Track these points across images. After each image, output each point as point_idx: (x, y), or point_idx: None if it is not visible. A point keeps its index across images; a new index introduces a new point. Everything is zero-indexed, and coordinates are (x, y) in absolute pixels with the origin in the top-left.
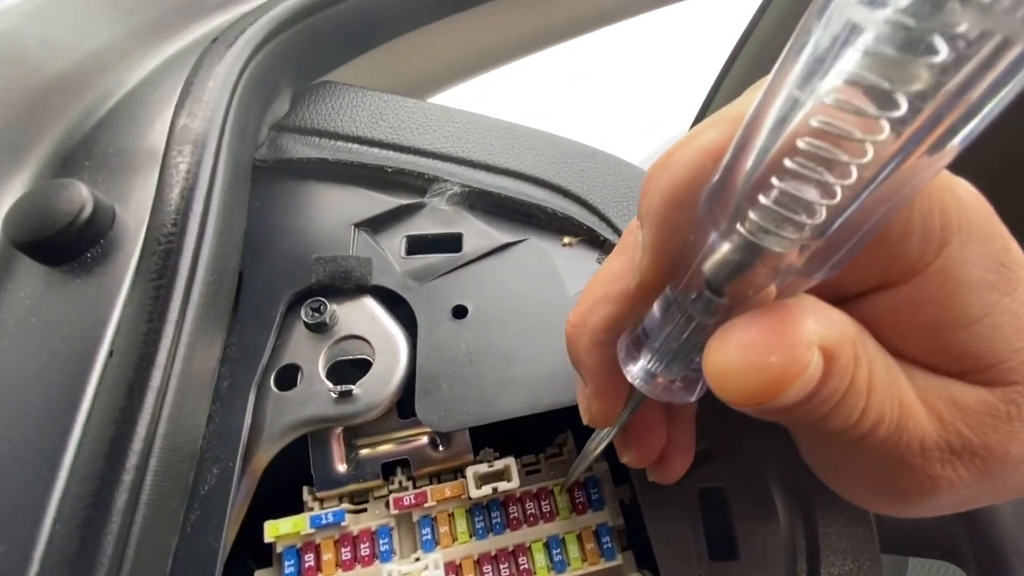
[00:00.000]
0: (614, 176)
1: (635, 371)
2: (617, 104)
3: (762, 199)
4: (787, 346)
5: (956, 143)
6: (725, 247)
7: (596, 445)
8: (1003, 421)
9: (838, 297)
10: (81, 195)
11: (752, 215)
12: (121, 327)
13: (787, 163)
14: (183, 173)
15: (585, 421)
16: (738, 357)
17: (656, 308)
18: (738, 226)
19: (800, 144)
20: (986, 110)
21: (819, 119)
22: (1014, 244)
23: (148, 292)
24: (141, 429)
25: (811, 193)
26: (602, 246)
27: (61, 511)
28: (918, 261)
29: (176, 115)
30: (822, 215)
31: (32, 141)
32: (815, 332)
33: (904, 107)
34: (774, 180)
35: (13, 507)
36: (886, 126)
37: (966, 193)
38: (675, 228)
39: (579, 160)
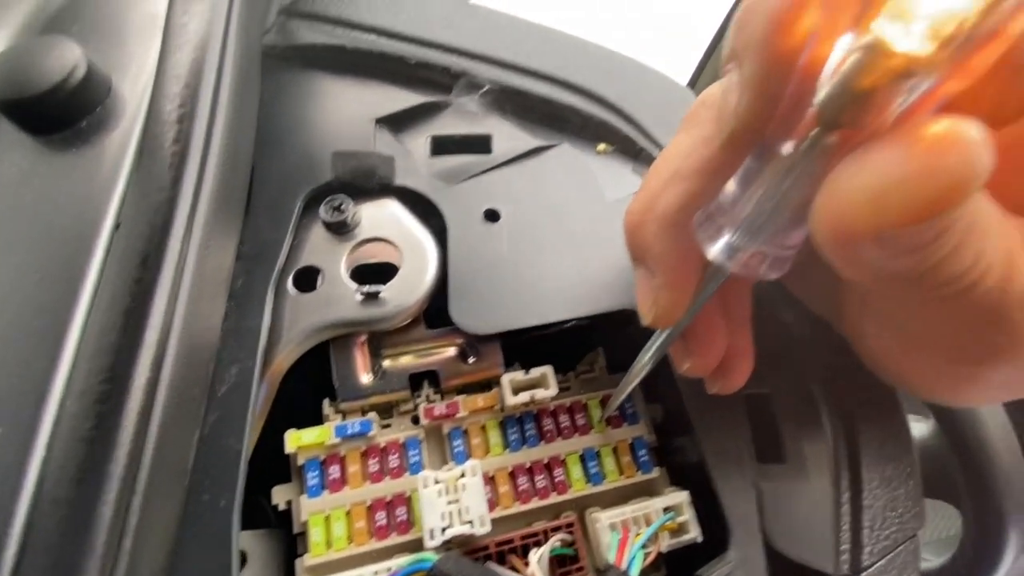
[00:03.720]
0: (653, 87)
1: (718, 247)
2: (659, 31)
3: None
4: (963, 145)
5: None
6: (850, 59)
7: (654, 352)
8: None
9: None
10: (74, 54)
11: (884, 14)
12: (128, 198)
13: None
14: (192, 34)
15: (648, 321)
16: (902, 169)
17: (734, 182)
18: (867, 31)
19: None
20: None
21: None
22: None
23: (159, 160)
24: (159, 302)
25: None
26: (638, 156)
27: (71, 388)
28: None
29: None
30: (964, 5)
31: None
32: (984, 133)
33: None
34: None
35: (11, 387)
36: None
37: None
38: (784, 57)
39: (616, 68)
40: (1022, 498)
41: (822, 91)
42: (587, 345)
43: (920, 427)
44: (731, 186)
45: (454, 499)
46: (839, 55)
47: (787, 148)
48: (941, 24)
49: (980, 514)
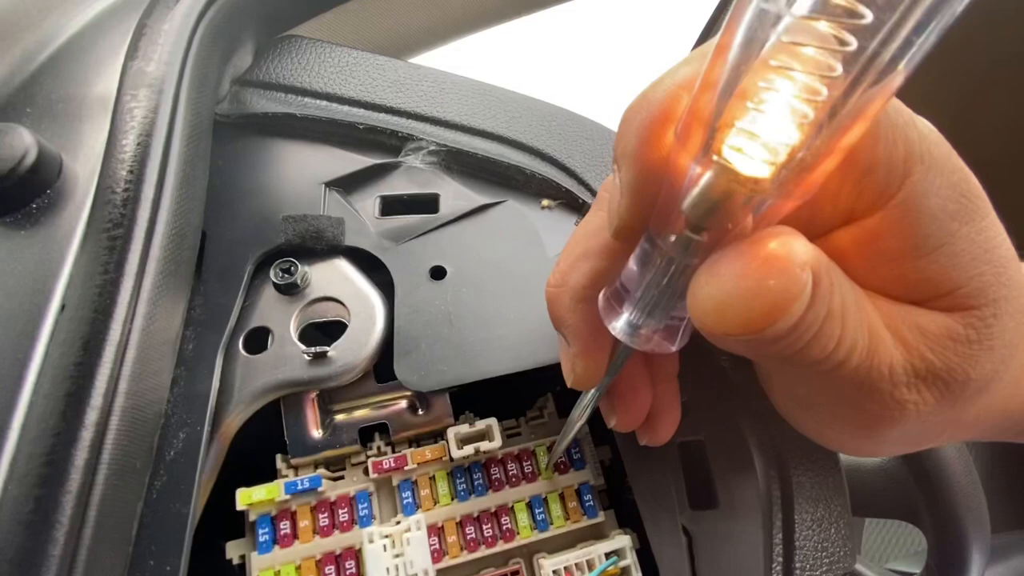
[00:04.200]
0: (592, 140)
1: (618, 325)
2: (595, 73)
3: (736, 123)
4: (783, 268)
5: (903, 66)
6: (704, 178)
7: (582, 411)
8: (963, 344)
9: (806, 235)
10: (23, 140)
11: (728, 141)
12: (74, 280)
13: (760, 84)
14: (139, 119)
15: (570, 384)
16: (734, 285)
17: (633, 261)
18: (714, 157)
19: (771, 64)
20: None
21: (787, 36)
22: (972, 177)
23: (103, 243)
24: (100, 384)
25: (783, 114)
26: (581, 209)
27: (13, 472)
28: (883, 193)
29: (129, 58)
30: (795, 135)
31: None
32: (805, 253)
33: (854, 43)
34: (748, 104)
35: None
36: (852, 41)
37: (927, 128)
38: (652, 167)
39: (557, 123)
40: (980, 517)
41: (686, 200)
42: (538, 389)
43: None
44: (631, 264)
45: (399, 552)
46: (696, 170)
47: (667, 242)
48: (775, 151)
49: (941, 534)
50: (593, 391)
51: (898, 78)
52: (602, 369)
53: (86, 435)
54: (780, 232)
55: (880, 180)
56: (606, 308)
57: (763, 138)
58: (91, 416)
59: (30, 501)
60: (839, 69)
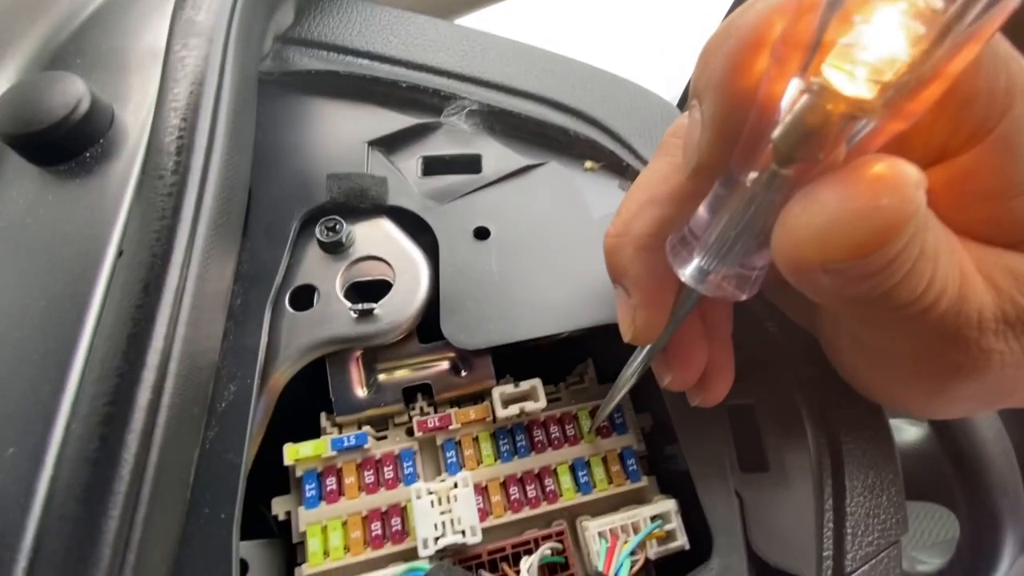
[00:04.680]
0: (637, 104)
1: (688, 271)
2: (638, 39)
3: (842, 40)
4: (897, 186)
5: None
6: (800, 102)
7: (635, 369)
8: None
9: None
10: (78, 88)
11: (830, 61)
12: (130, 227)
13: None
14: (190, 67)
15: (627, 338)
16: (840, 208)
17: (704, 207)
18: (813, 77)
19: None
20: None
21: None
22: None
23: (160, 189)
24: (160, 327)
25: (894, 29)
26: (624, 172)
27: (76, 411)
28: (981, 126)
29: (179, 8)
30: (906, 52)
31: (17, 34)
32: (917, 173)
33: None
34: (856, 17)
35: (19, 410)
36: None
37: None
38: (740, 96)
39: (600, 85)
40: (1017, 502)
41: (777, 129)
42: (577, 356)
43: (914, 431)
44: (701, 211)
45: (447, 509)
46: (791, 95)
47: (749, 178)
48: (881, 70)
49: (976, 518)
50: (649, 347)
51: None
52: (663, 321)
53: (148, 376)
54: (882, 157)
55: (979, 113)
56: (674, 254)
57: (870, 55)
58: (152, 358)
59: (95, 439)
60: None
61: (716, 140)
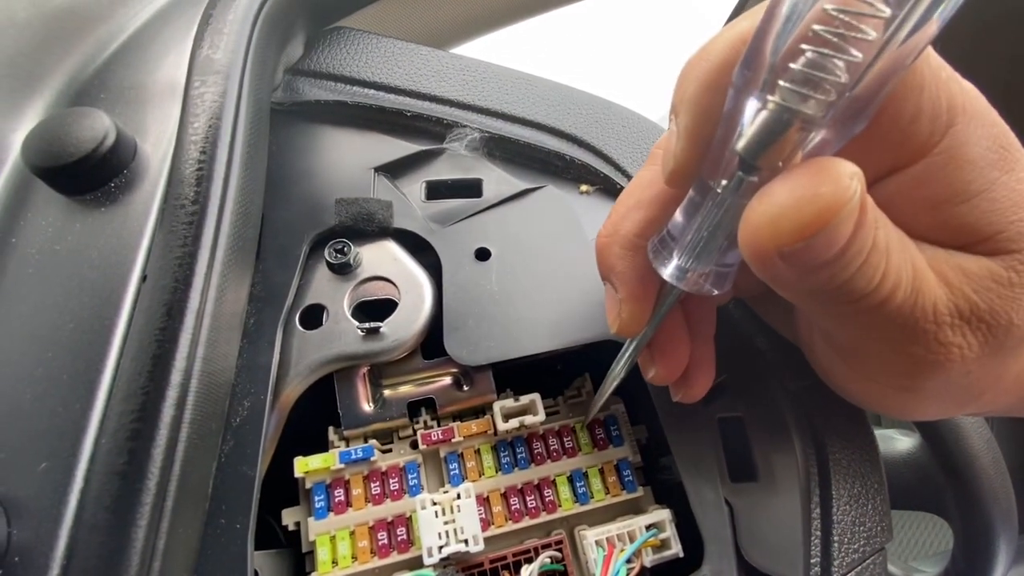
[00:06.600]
0: (629, 127)
1: (668, 269)
2: (628, 63)
3: (792, 65)
4: (834, 177)
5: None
6: (760, 117)
7: (623, 363)
8: (1005, 286)
9: None
10: (104, 123)
11: (783, 82)
12: (153, 253)
13: (814, 29)
14: (208, 103)
15: (614, 330)
16: (787, 197)
17: (680, 211)
18: (770, 96)
19: (827, 6)
20: None
21: None
22: (1011, 133)
23: (182, 218)
24: (183, 348)
25: (835, 57)
26: (617, 194)
27: (104, 427)
28: (927, 141)
29: (197, 47)
30: (844, 76)
31: (46, 71)
32: (852, 167)
33: None
34: (803, 46)
35: (51, 427)
36: None
37: (968, 84)
38: (710, 112)
39: (594, 111)
40: (1009, 510)
41: (740, 140)
42: (575, 371)
43: (907, 441)
44: (678, 216)
45: (450, 519)
46: (751, 111)
47: (719, 185)
48: (827, 90)
49: (968, 527)
50: (636, 340)
51: (932, 27)
52: (646, 315)
53: (172, 394)
54: (829, 158)
55: (925, 128)
56: (655, 254)
57: (816, 77)
58: (176, 377)
59: (124, 453)
60: (887, 12)
61: (688, 147)
